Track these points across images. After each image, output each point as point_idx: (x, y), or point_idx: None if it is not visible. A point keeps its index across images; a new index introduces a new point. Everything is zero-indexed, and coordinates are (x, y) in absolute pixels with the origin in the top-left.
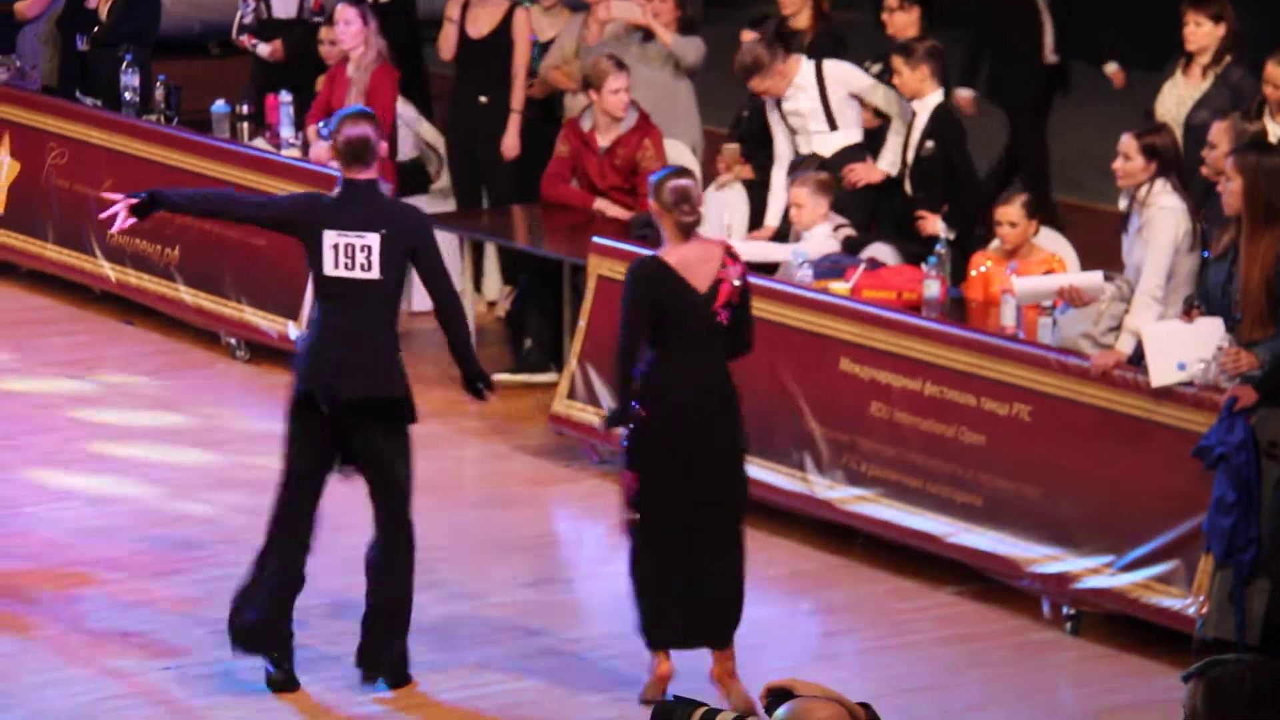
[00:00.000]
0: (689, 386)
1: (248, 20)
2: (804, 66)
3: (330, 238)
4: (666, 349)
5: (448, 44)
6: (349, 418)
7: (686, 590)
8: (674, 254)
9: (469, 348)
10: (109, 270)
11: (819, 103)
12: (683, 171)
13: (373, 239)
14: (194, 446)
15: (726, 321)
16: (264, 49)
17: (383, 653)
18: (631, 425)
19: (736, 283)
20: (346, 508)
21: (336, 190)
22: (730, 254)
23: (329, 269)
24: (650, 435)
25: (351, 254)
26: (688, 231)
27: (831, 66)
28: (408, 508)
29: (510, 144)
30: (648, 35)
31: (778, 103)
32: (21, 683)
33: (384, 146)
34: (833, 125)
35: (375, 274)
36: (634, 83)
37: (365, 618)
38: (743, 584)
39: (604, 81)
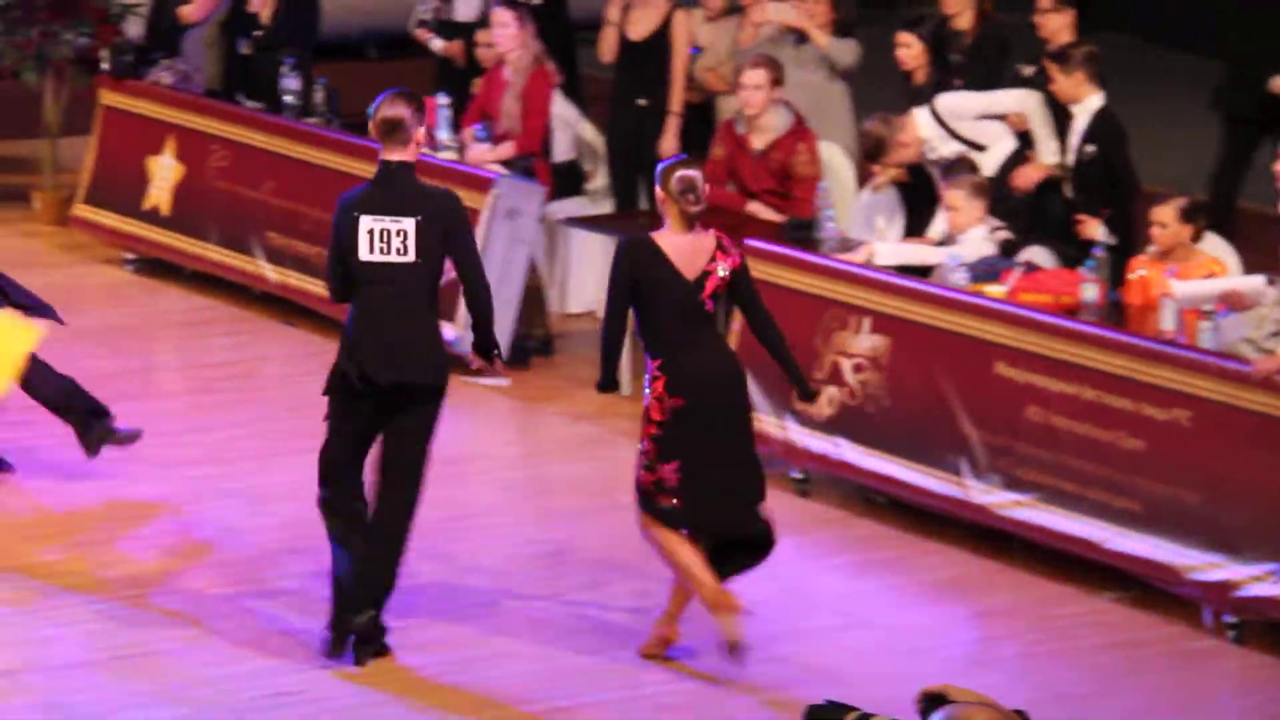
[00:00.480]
0: (701, 377)
1: (426, 16)
2: (922, 119)
3: (366, 223)
4: (668, 342)
5: (608, 46)
6: (384, 400)
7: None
8: (668, 239)
9: (488, 328)
10: (270, 272)
11: (954, 140)
12: (690, 161)
13: (409, 224)
14: None
15: (712, 310)
16: (438, 44)
17: (354, 620)
18: (662, 417)
19: (723, 274)
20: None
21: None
22: (722, 247)
23: (364, 254)
24: (671, 431)
25: (387, 239)
26: (690, 222)
27: (944, 104)
28: (416, 487)
29: (668, 146)
30: (802, 38)
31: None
32: (189, 677)
33: (421, 132)
34: (980, 147)
35: (412, 258)
36: (788, 85)
37: (335, 584)
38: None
39: (739, 76)
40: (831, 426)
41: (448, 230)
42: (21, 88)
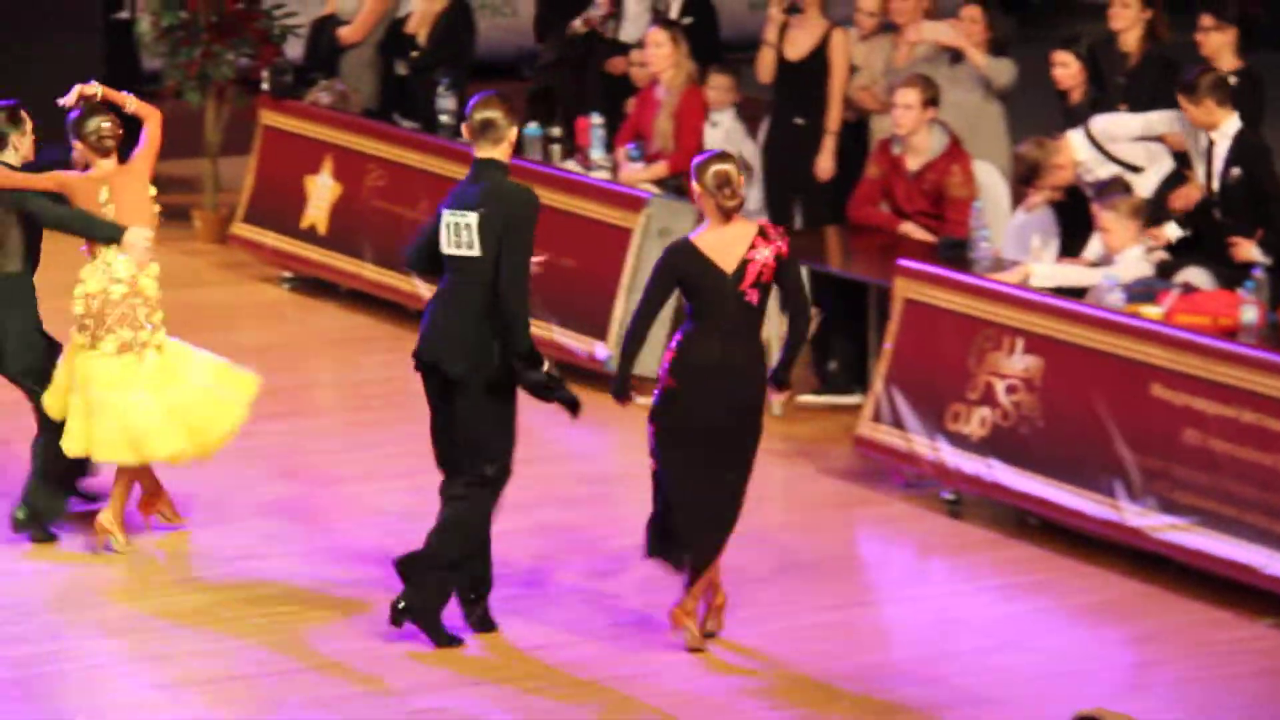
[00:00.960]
0: (712, 365)
1: (597, 13)
2: (1076, 141)
3: (446, 217)
4: (700, 325)
5: (765, 66)
6: (437, 385)
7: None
8: (707, 237)
9: (514, 335)
10: (424, 290)
11: (1110, 162)
12: (724, 156)
13: (472, 218)
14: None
15: (756, 301)
16: (579, 22)
17: (413, 596)
18: (660, 392)
19: (764, 259)
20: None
21: None
22: (764, 234)
23: (444, 246)
24: (675, 404)
25: (458, 232)
26: (728, 215)
27: (1099, 126)
28: (483, 473)
29: (824, 166)
30: (957, 56)
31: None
32: (341, 691)
33: (514, 133)
34: (1136, 169)
35: (476, 251)
36: (943, 105)
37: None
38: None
39: (893, 96)
40: (984, 448)
41: (506, 227)
42: (184, 108)
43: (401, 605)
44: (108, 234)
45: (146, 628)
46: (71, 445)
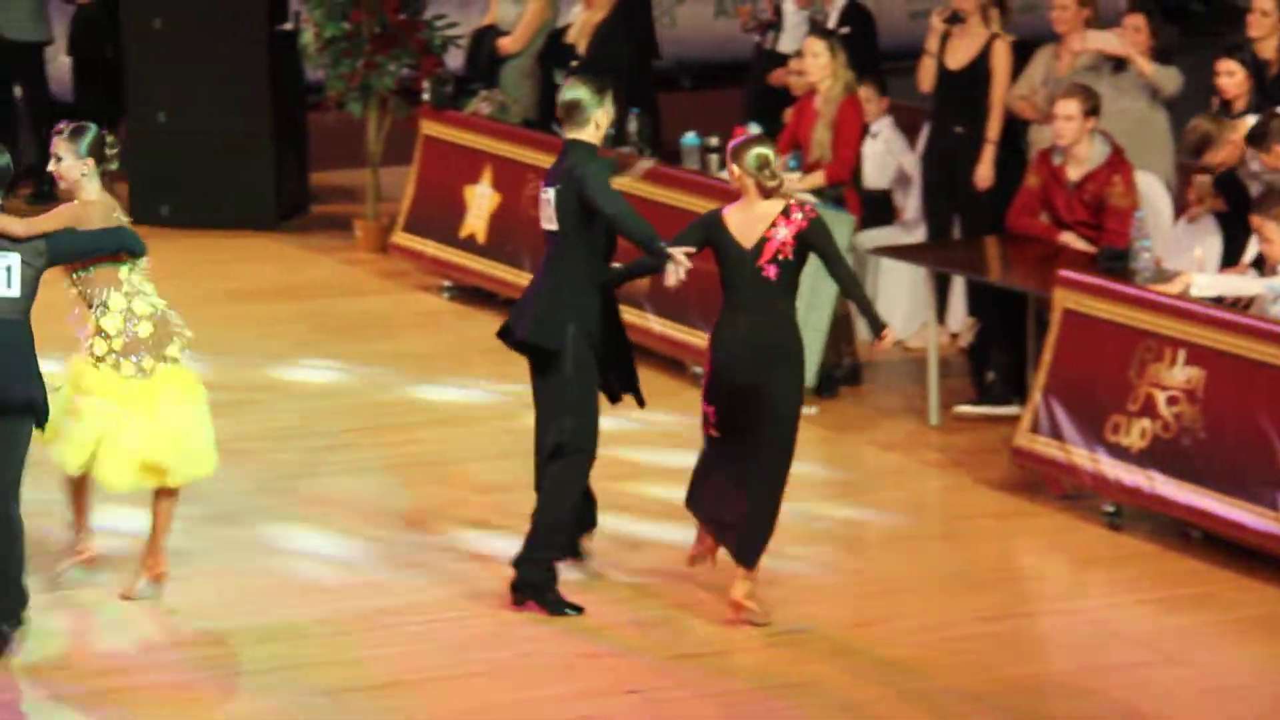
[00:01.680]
0: (734, 342)
1: (763, 16)
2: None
3: (541, 195)
4: (727, 302)
5: (926, 76)
6: (531, 362)
7: (722, 497)
8: (735, 214)
9: (628, 232)
10: None
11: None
12: (763, 139)
13: (550, 194)
14: (662, 480)
15: (775, 277)
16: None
17: (526, 574)
18: (706, 372)
19: (783, 238)
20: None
21: None
22: (786, 213)
23: (542, 223)
24: (711, 380)
25: (546, 208)
26: (767, 195)
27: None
28: (562, 455)
29: (984, 174)
30: (1119, 65)
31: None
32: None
33: (601, 114)
34: None
35: (554, 225)
36: (1106, 113)
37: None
38: (768, 520)
39: (1053, 106)
40: (1144, 459)
41: (579, 195)
42: (346, 118)
43: (516, 583)
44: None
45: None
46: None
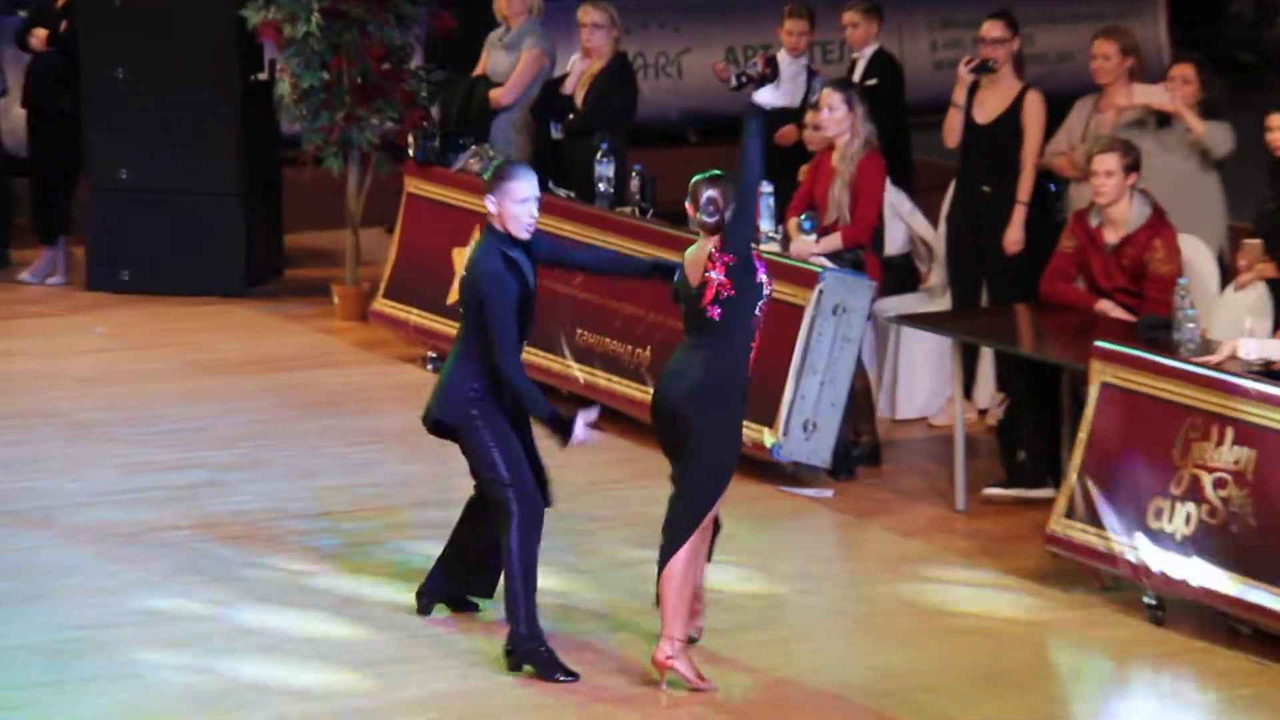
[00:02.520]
0: (665, 375)
1: (752, 71)
2: None
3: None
4: (682, 341)
5: (952, 130)
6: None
7: None
8: (692, 250)
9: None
10: (578, 372)
11: None
12: (716, 180)
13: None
14: None
15: (718, 317)
16: (757, 72)
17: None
18: None
19: (718, 278)
20: None
21: None
22: (710, 255)
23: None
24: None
25: None
26: (710, 232)
27: None
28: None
29: (1014, 237)
30: (1164, 119)
31: None
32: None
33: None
34: None
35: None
36: (1148, 173)
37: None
38: (663, 559)
39: (1090, 162)
40: (1189, 547)
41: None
42: (324, 175)
43: (509, 649)
44: None
45: None
46: None
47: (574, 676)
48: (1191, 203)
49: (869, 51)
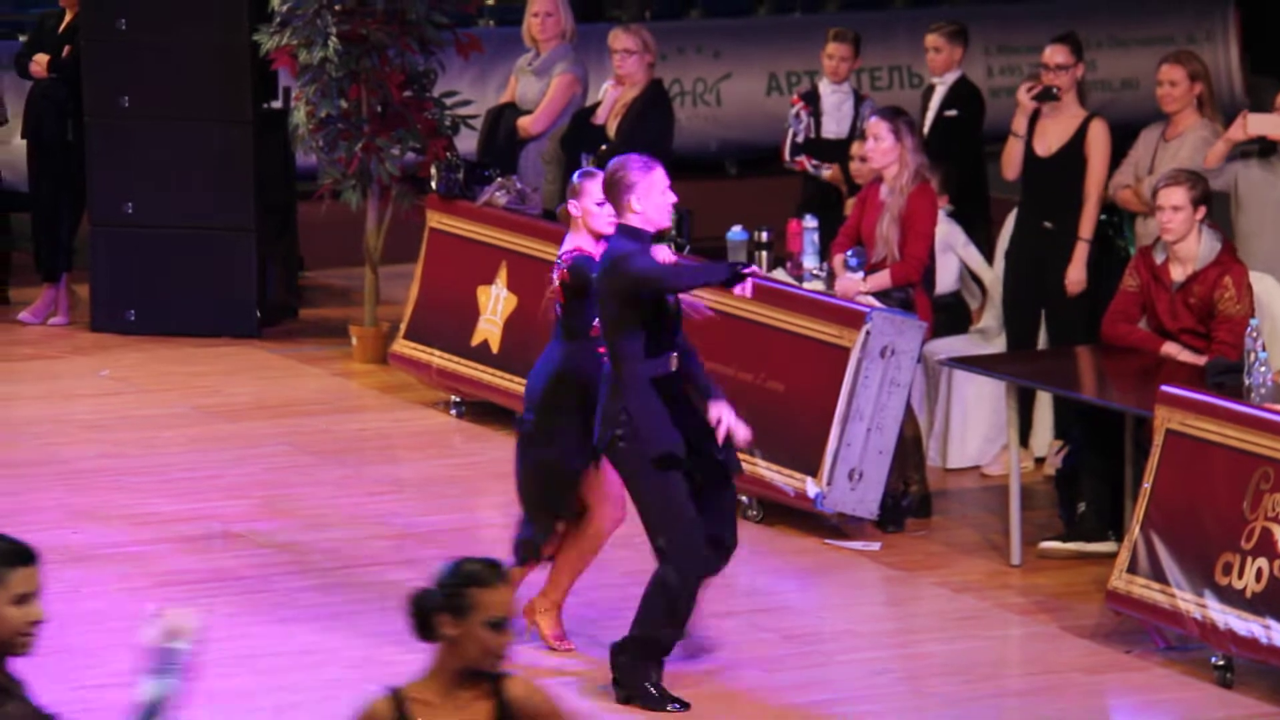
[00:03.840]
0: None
1: (799, 139)
2: None
3: None
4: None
5: (1012, 162)
6: None
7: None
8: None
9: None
10: None
11: None
12: (590, 173)
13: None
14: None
15: (558, 312)
16: (826, 171)
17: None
18: None
19: (555, 276)
20: None
21: None
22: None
23: None
24: None
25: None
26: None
27: None
28: (657, 546)
29: (1076, 277)
30: (1266, 149)
31: None
32: None
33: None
34: None
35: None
36: (1260, 206)
37: None
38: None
39: (1155, 196)
40: (1260, 605)
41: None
42: (342, 209)
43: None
44: None
45: None
46: None
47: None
48: None
49: (951, 78)
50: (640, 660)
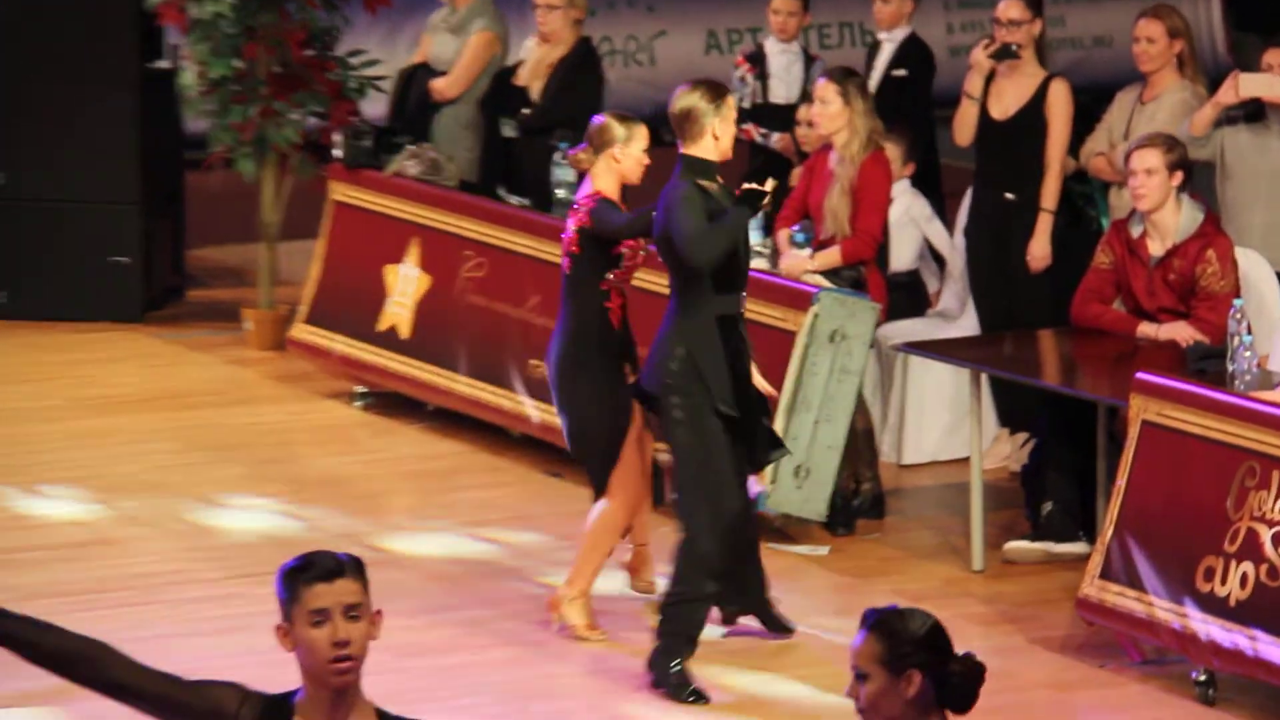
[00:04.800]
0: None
1: (745, 104)
2: None
3: None
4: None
5: (964, 126)
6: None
7: None
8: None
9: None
10: (531, 409)
11: None
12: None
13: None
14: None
15: (567, 269)
16: (775, 140)
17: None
18: None
19: (571, 231)
20: None
21: None
22: (575, 207)
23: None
24: None
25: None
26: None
27: None
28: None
29: (1038, 251)
30: (1254, 114)
31: None
32: None
33: (715, 123)
34: None
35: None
36: (1247, 174)
37: None
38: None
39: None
40: (1245, 614)
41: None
42: (235, 180)
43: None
44: None
45: None
46: None
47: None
48: None
49: (900, 35)
50: (673, 636)
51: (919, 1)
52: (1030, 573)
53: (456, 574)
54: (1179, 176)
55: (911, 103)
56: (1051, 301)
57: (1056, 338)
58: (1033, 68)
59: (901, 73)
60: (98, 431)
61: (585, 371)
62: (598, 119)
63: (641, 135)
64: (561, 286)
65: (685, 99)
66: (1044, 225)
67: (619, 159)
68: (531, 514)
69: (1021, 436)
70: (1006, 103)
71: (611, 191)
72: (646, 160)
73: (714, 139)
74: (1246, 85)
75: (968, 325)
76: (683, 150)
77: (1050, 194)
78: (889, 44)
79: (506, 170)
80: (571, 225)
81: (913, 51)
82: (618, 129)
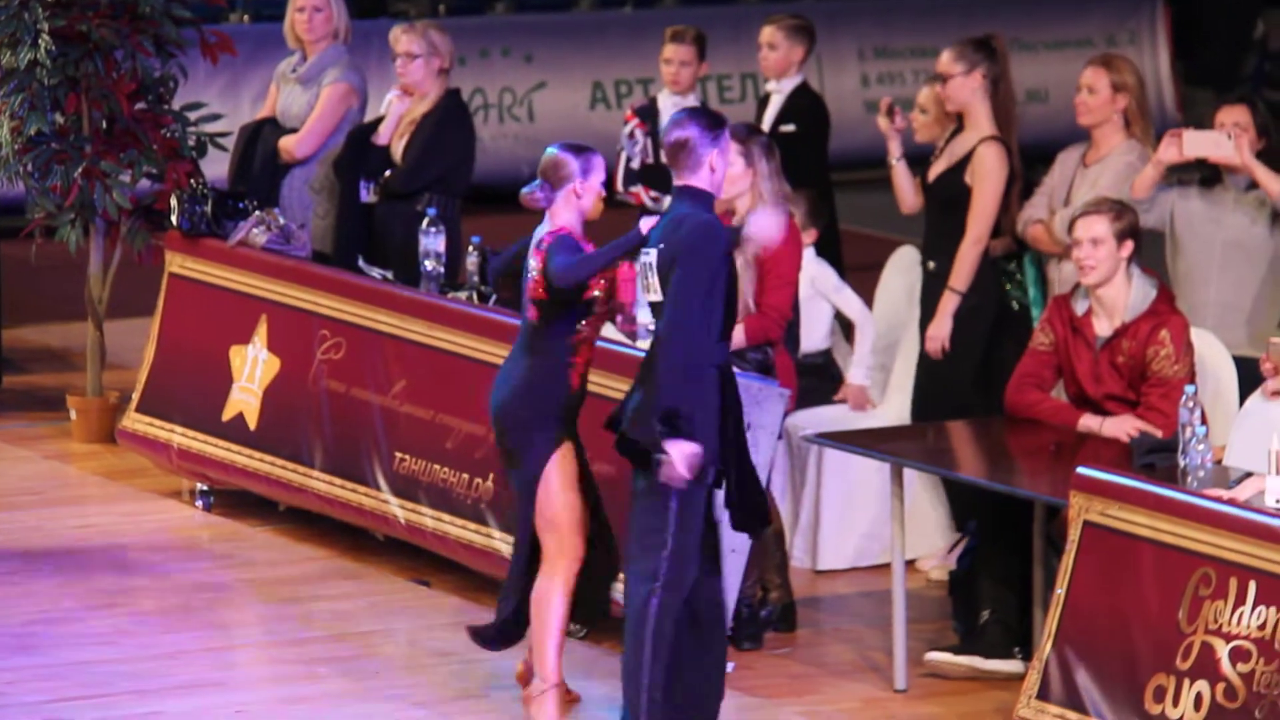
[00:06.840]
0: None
1: (635, 164)
2: None
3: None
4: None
5: (899, 194)
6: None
7: None
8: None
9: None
10: (396, 508)
11: None
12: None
13: (651, 255)
14: None
15: (534, 318)
16: (668, 204)
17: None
18: None
19: (535, 273)
20: None
21: None
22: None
23: (638, 296)
24: None
25: (645, 274)
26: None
27: None
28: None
29: (936, 333)
30: (1210, 178)
31: None
32: None
33: (714, 154)
34: None
35: (657, 295)
36: (1199, 243)
37: None
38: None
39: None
40: None
41: (671, 260)
42: (58, 250)
43: None
44: None
45: None
46: None
47: None
48: (1260, 279)
49: (788, 86)
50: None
51: (811, 48)
52: (959, 691)
53: (316, 694)
54: (1129, 246)
55: (803, 161)
56: (982, 388)
57: (989, 427)
58: (986, 125)
59: (790, 128)
60: None
61: (541, 434)
62: (551, 153)
63: (599, 166)
64: (520, 337)
65: (681, 129)
66: (946, 305)
67: (580, 194)
68: (394, 628)
69: (954, 537)
70: (940, 163)
71: (574, 227)
72: (603, 193)
73: (711, 170)
74: (1191, 144)
75: (891, 413)
76: (679, 181)
77: (962, 270)
78: (777, 96)
79: (366, 239)
80: (534, 266)
81: (802, 104)
82: (573, 162)
